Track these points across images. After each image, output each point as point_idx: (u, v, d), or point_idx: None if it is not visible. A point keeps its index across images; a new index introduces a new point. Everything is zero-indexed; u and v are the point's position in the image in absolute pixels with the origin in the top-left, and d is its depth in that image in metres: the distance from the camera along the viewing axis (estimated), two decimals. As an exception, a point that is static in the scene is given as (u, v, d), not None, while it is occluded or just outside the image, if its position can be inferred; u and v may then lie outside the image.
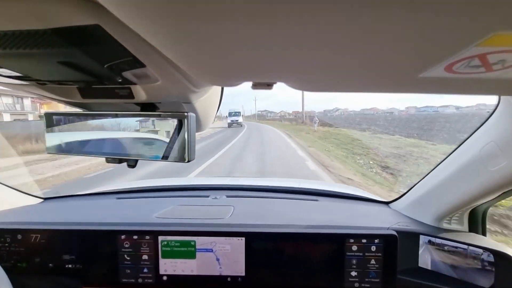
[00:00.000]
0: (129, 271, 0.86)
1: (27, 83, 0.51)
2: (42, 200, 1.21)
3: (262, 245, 0.85)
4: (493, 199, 0.76)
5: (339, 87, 0.46)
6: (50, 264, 0.88)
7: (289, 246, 0.85)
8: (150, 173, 5.64)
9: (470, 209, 0.87)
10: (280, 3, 0.19)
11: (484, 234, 0.90)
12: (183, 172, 5.62)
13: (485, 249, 0.76)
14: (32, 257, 0.88)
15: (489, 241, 0.81)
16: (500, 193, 0.72)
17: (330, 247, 0.84)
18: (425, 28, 0.22)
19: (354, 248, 0.83)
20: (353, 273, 0.83)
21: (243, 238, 0.85)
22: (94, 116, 0.59)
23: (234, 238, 0.85)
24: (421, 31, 0.23)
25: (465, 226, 0.90)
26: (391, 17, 0.21)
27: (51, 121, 0.60)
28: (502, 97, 0.63)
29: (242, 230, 0.86)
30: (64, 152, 0.61)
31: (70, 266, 0.88)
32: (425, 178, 0.93)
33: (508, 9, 0.20)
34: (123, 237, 0.87)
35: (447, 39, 0.24)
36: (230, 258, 0.85)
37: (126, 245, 0.87)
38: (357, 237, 0.83)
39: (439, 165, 0.86)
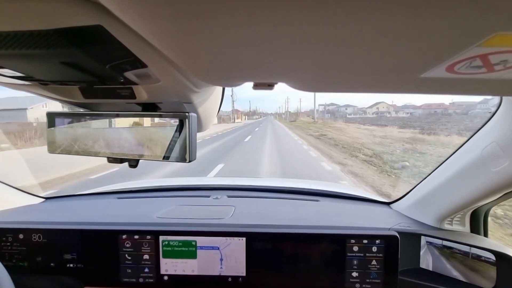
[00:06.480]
0: (130, 270, 0.87)
1: (30, 83, 0.51)
2: (43, 199, 1.21)
3: (263, 246, 0.85)
4: (495, 200, 0.76)
5: (340, 87, 0.46)
6: (52, 264, 0.88)
7: (290, 246, 0.85)
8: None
9: (472, 210, 0.86)
10: (281, 3, 0.19)
11: (485, 235, 0.89)
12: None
13: (487, 250, 0.76)
14: (33, 256, 0.88)
15: (491, 242, 0.80)
16: (502, 194, 0.72)
17: (331, 248, 0.84)
18: (427, 28, 0.22)
19: (355, 248, 0.83)
20: (354, 274, 0.83)
21: (244, 238, 0.84)
22: (95, 116, 0.59)
23: (235, 238, 0.85)
24: (423, 31, 0.23)
25: (467, 227, 0.89)
26: (393, 17, 0.21)
27: (53, 120, 0.60)
28: (504, 97, 0.63)
29: (243, 230, 0.86)
30: (65, 152, 0.61)
31: (71, 265, 0.88)
32: (427, 178, 0.92)
33: (511, 9, 0.19)
34: (124, 236, 0.87)
35: (449, 39, 0.24)
36: (231, 258, 0.85)
37: (127, 245, 0.87)
38: (358, 237, 0.83)
39: (440, 166, 0.86)
